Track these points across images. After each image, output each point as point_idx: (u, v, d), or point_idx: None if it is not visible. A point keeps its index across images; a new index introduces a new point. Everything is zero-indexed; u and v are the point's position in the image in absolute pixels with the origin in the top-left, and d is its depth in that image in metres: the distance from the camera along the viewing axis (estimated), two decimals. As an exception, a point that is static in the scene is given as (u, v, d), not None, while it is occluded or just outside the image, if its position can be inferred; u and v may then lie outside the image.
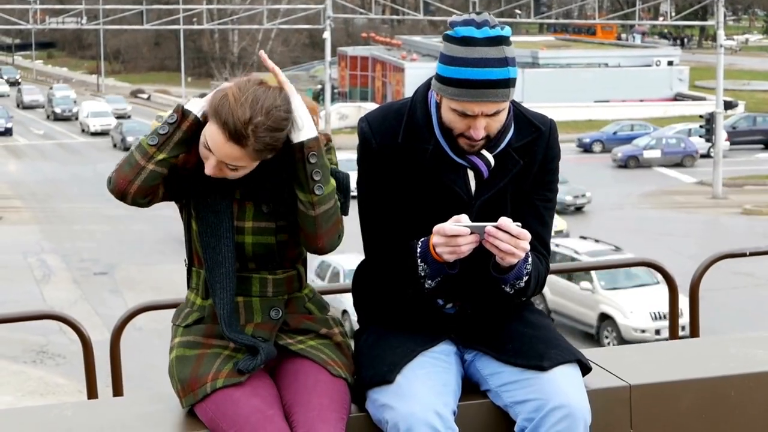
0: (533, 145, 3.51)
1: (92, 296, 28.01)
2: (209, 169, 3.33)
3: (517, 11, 65.31)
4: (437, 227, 3.32)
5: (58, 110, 74.31)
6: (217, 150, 3.30)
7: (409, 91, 62.05)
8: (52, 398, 20.06)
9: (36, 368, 22.49)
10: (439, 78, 3.38)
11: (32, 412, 3.78)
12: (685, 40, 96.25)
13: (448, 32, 3.37)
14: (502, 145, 3.47)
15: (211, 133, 3.30)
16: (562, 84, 61.38)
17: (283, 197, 3.41)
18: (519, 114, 3.53)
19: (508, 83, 3.33)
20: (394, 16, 72.66)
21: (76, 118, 71.21)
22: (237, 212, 3.42)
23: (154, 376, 19.01)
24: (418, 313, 3.52)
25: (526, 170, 3.50)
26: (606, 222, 35.57)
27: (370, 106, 59.32)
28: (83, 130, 66.42)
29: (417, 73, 63.15)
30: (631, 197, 41.17)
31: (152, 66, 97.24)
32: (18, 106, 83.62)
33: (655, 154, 48.19)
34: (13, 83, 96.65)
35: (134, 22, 65.59)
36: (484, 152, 3.45)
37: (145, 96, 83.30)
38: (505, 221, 3.28)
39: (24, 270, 31.23)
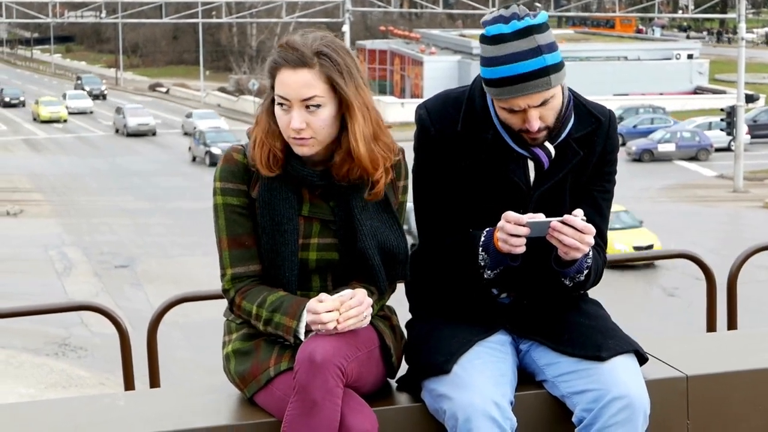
0: (593, 135, 3.49)
1: (113, 289, 28.02)
2: (296, 122, 3.27)
3: (537, 4, 65.16)
4: (506, 214, 3.29)
5: (216, 151, 46.98)
6: (290, 88, 3.26)
7: (428, 85, 62.21)
8: (74, 391, 20.08)
9: (58, 360, 22.50)
10: (483, 80, 3.38)
11: (84, 401, 3.77)
12: (710, 32, 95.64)
13: (482, 33, 3.33)
14: (563, 136, 3.45)
15: (279, 83, 3.28)
16: (582, 77, 61.00)
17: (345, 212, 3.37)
18: (579, 104, 3.50)
19: (546, 71, 3.28)
20: (413, 9, 72.56)
21: None
22: (303, 229, 3.37)
23: (175, 369, 19.01)
24: (473, 302, 3.49)
25: (585, 161, 3.48)
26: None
27: (389, 100, 59.40)
28: None
29: (436, 66, 63.18)
30: (650, 191, 41.02)
31: (171, 60, 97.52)
32: (117, 131, 60.44)
33: (670, 147, 48.02)
34: (97, 96, 77.93)
35: (153, 16, 65.70)
36: (545, 142, 3.43)
37: (163, 90, 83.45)
38: (570, 216, 3.26)
39: (45, 263, 31.27)
